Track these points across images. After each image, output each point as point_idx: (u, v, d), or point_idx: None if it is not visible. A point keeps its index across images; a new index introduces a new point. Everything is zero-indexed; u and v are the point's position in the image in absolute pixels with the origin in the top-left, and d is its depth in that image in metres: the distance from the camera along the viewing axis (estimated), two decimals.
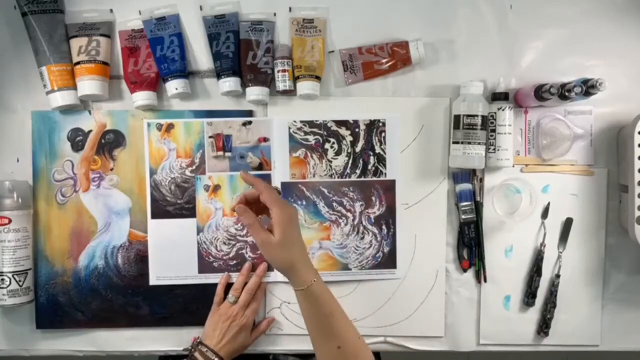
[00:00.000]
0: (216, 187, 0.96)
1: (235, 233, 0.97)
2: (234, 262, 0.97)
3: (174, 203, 0.96)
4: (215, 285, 0.95)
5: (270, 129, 0.96)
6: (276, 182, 0.96)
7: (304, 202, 0.97)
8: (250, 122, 0.96)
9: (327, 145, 0.97)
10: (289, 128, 0.96)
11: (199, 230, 0.97)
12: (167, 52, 0.93)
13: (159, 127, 0.96)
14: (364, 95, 0.97)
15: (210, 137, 0.96)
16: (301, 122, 0.96)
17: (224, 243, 0.97)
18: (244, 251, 0.97)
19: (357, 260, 0.98)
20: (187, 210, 0.96)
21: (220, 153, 0.96)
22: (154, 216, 0.96)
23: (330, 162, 0.97)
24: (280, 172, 0.96)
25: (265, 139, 0.96)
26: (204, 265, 0.97)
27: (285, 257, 0.77)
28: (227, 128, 0.96)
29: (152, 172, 0.96)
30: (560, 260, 0.97)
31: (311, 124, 0.96)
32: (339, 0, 0.96)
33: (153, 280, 0.96)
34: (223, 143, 0.96)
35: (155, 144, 0.96)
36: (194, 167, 0.96)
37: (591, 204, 0.97)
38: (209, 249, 0.97)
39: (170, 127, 0.96)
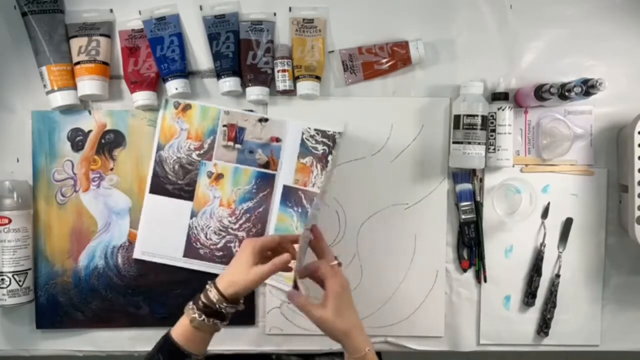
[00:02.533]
0: (219, 176, 0.96)
1: (227, 225, 0.96)
2: (220, 253, 0.96)
3: (174, 182, 0.96)
4: (199, 272, 0.95)
5: (285, 130, 0.96)
6: (278, 184, 0.96)
7: (300, 210, 0.96)
8: (266, 120, 0.96)
9: (329, 157, 0.96)
10: (303, 134, 0.96)
11: (193, 214, 0.96)
12: (167, 52, 0.93)
13: (177, 105, 0.95)
14: (364, 95, 0.97)
15: (224, 125, 0.96)
16: (315, 130, 0.96)
17: (215, 233, 0.96)
18: (232, 244, 0.96)
19: None
20: (185, 192, 0.96)
21: (231, 143, 0.96)
22: (152, 191, 0.96)
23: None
24: (285, 175, 0.96)
25: (278, 139, 0.96)
26: (190, 250, 0.96)
27: (341, 326, 0.78)
28: (243, 120, 0.96)
29: (160, 147, 0.96)
30: (560, 260, 0.97)
31: (323, 134, 0.96)
32: (339, 0, 0.96)
33: (138, 254, 0.96)
34: (236, 134, 0.95)
35: (169, 121, 0.95)
36: (201, 151, 0.96)
37: (591, 204, 0.97)
38: (199, 235, 0.96)
39: (187, 107, 0.95)
